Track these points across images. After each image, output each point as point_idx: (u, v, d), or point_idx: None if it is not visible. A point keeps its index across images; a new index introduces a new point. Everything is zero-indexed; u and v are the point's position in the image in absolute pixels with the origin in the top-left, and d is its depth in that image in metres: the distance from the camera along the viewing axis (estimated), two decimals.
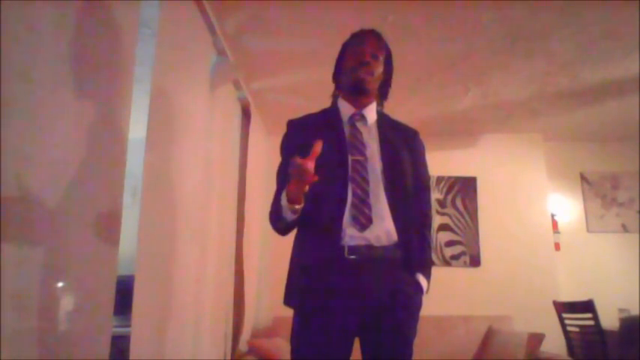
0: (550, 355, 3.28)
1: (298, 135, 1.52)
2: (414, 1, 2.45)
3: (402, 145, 1.52)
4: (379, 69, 1.53)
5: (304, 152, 1.28)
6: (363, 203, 1.38)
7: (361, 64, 1.49)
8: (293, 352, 1.40)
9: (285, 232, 1.49)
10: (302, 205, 1.36)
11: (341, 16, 2.48)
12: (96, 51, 1.42)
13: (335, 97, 1.62)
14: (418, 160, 1.56)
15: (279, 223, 1.45)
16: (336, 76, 1.62)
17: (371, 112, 1.54)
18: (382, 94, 1.61)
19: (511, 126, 4.27)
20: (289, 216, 1.38)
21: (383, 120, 1.57)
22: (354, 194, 1.39)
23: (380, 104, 1.61)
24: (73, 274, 1.29)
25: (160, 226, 1.86)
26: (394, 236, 1.39)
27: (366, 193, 1.40)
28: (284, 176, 1.39)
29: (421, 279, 1.44)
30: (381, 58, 1.53)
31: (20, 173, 1.11)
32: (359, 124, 1.51)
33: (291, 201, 1.34)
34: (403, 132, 1.58)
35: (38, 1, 1.18)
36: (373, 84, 1.52)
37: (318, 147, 1.29)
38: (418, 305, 1.43)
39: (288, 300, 1.44)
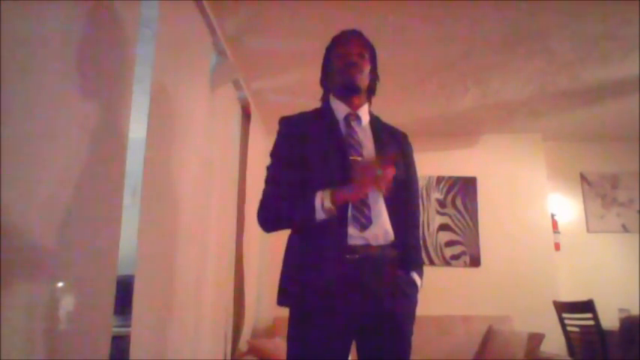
0: (550, 355, 3.28)
1: (296, 133, 1.51)
2: (414, 1, 2.45)
3: (395, 147, 1.55)
4: (367, 67, 1.55)
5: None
6: (362, 204, 1.39)
7: (349, 65, 1.51)
8: (289, 351, 1.39)
9: (273, 230, 1.50)
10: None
11: (341, 17, 2.48)
12: (96, 51, 1.42)
13: (325, 98, 1.62)
14: (408, 161, 1.60)
15: (284, 222, 1.46)
16: (324, 81, 1.64)
17: (365, 113, 1.57)
18: (370, 92, 1.62)
19: (511, 126, 4.27)
20: (320, 216, 1.35)
21: (375, 122, 1.60)
22: None
23: (369, 103, 1.62)
24: (73, 274, 1.29)
25: (159, 226, 1.86)
26: (391, 235, 1.42)
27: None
28: (288, 175, 1.43)
29: (416, 277, 1.47)
30: (367, 56, 1.55)
31: (20, 174, 1.11)
32: (354, 124, 1.52)
33: (335, 203, 1.33)
34: (394, 134, 1.61)
35: (38, 1, 1.18)
36: (364, 82, 1.55)
37: (394, 157, 1.34)
38: (415, 303, 1.46)
39: (282, 300, 1.43)
